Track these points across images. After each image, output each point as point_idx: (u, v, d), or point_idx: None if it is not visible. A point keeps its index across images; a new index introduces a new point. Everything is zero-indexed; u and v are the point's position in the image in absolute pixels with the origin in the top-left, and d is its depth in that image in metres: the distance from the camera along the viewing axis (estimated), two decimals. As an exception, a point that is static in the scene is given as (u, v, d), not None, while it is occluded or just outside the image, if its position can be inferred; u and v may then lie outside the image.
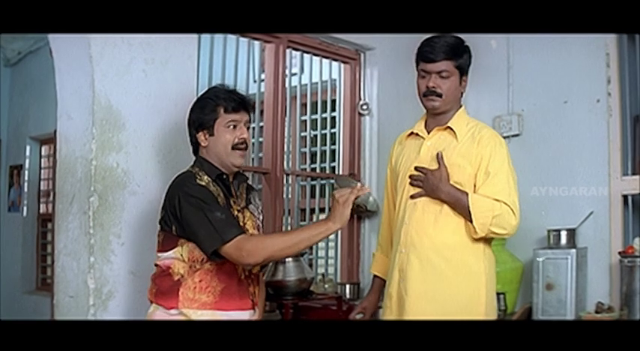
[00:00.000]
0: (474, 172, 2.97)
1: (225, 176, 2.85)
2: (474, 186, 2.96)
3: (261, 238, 2.74)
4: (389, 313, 3.07)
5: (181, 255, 2.73)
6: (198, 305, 2.71)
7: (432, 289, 2.95)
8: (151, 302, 2.83)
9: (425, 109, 3.14)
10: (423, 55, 3.05)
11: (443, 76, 3.02)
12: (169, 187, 2.81)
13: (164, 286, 2.76)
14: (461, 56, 3.05)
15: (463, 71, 3.07)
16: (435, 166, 3.00)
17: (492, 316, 3.07)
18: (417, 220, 3.01)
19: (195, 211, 2.65)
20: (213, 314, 2.71)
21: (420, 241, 2.98)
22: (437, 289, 2.94)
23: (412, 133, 3.20)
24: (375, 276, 3.38)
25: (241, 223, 2.82)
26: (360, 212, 4.67)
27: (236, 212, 2.83)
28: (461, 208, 2.92)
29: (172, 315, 2.72)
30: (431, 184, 2.97)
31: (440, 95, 3.03)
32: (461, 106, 3.14)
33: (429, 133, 3.12)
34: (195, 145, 2.90)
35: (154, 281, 2.82)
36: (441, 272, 2.95)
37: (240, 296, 2.79)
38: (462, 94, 3.13)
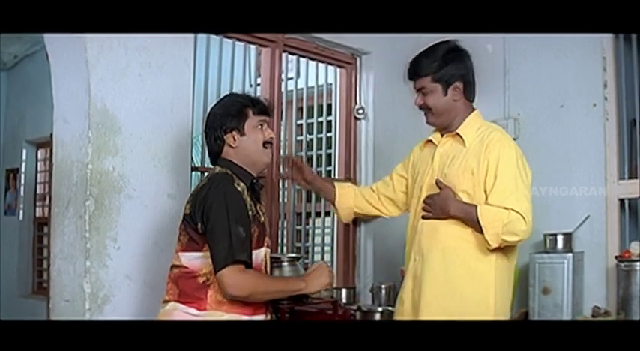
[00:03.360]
0: (482, 177, 2.96)
1: (255, 181, 2.88)
2: (485, 192, 2.96)
3: (254, 275, 2.70)
4: (400, 318, 3.11)
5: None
6: (227, 308, 2.68)
7: (442, 296, 2.97)
8: (167, 302, 2.76)
9: None
10: (407, 74, 3.14)
11: (424, 93, 3.07)
12: (204, 185, 2.78)
13: (188, 287, 2.71)
14: (441, 68, 3.05)
15: (448, 82, 3.06)
16: (445, 173, 3.04)
17: None
18: (429, 228, 3.03)
19: (223, 220, 2.64)
20: (239, 318, 2.69)
21: (432, 249, 3.00)
22: (447, 296, 2.96)
23: (429, 140, 3.24)
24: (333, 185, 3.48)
25: (266, 229, 2.88)
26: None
27: (262, 219, 2.86)
28: (471, 221, 2.92)
29: (198, 316, 2.67)
30: (438, 207, 3.00)
31: (430, 109, 3.08)
32: (473, 110, 3.14)
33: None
34: (219, 149, 2.89)
35: (176, 282, 2.75)
36: (450, 280, 2.97)
37: (261, 302, 2.81)
38: (457, 101, 3.10)
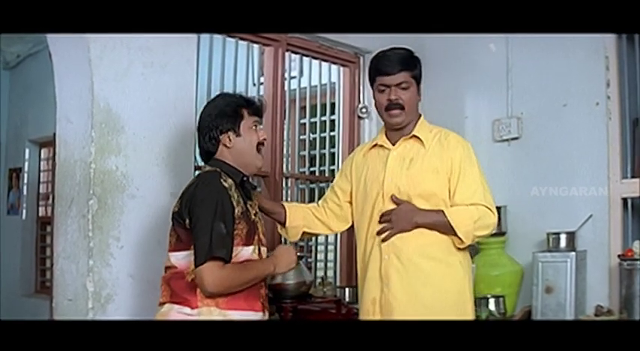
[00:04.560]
0: (447, 176, 3.00)
1: (246, 178, 2.88)
2: (449, 191, 2.99)
3: (231, 270, 2.68)
4: (370, 318, 3.06)
5: None
6: (215, 304, 2.68)
7: (418, 292, 2.96)
8: (163, 304, 2.77)
9: (388, 124, 3.13)
10: (380, 69, 3.07)
11: (403, 88, 3.03)
12: (192, 183, 2.80)
13: (179, 288, 2.72)
14: (415, 66, 3.07)
15: (418, 81, 3.08)
16: (404, 174, 3.02)
17: (473, 314, 3.14)
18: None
19: (206, 215, 2.64)
20: (226, 314, 2.69)
21: (405, 246, 2.98)
22: (423, 291, 2.96)
23: (376, 144, 3.20)
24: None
25: (257, 226, 2.86)
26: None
27: (253, 216, 2.84)
28: (441, 225, 2.94)
29: (192, 315, 2.68)
30: (402, 220, 2.97)
31: (402, 107, 3.04)
32: (420, 115, 3.16)
33: (393, 144, 3.13)
34: (213, 148, 2.88)
35: (168, 284, 2.76)
36: (426, 274, 2.97)
37: (252, 297, 2.79)
38: (419, 102, 3.14)
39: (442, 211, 2.95)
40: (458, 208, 2.96)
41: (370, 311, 3.07)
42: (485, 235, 3.05)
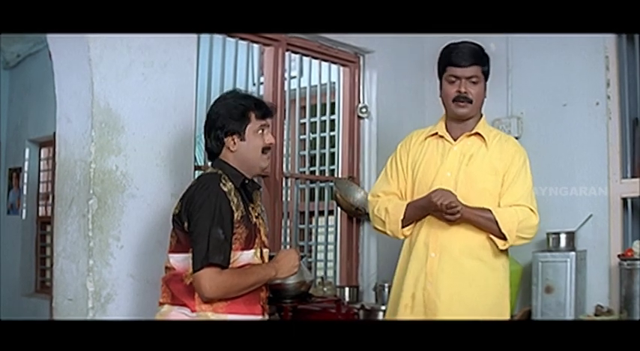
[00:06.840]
0: (502, 178, 3.03)
1: (247, 181, 2.86)
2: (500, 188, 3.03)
3: (229, 275, 2.68)
4: (409, 312, 3.05)
5: None
6: (214, 308, 2.69)
7: (463, 291, 2.98)
8: (163, 304, 2.78)
9: (453, 115, 3.11)
10: (452, 60, 3.06)
11: (473, 82, 3.05)
12: (192, 185, 2.80)
13: (177, 290, 2.73)
14: (485, 63, 3.09)
15: (486, 77, 3.10)
16: (463, 170, 3.04)
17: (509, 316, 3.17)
18: (450, 225, 3.01)
19: (204, 221, 2.64)
20: (225, 318, 2.69)
21: (453, 245, 3.01)
22: (467, 292, 2.98)
23: (436, 134, 3.18)
24: None
25: (259, 229, 2.85)
26: (359, 215, 4.67)
27: (254, 219, 2.83)
28: (485, 220, 2.95)
29: (192, 317, 2.68)
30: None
31: (470, 101, 3.05)
32: (482, 115, 3.16)
33: (454, 139, 3.12)
34: (217, 149, 2.86)
35: (167, 285, 2.77)
36: (472, 274, 2.99)
37: (251, 301, 2.78)
38: (484, 99, 3.15)
39: (488, 209, 2.96)
40: (504, 209, 2.98)
41: (408, 305, 3.07)
42: (529, 238, 3.04)
